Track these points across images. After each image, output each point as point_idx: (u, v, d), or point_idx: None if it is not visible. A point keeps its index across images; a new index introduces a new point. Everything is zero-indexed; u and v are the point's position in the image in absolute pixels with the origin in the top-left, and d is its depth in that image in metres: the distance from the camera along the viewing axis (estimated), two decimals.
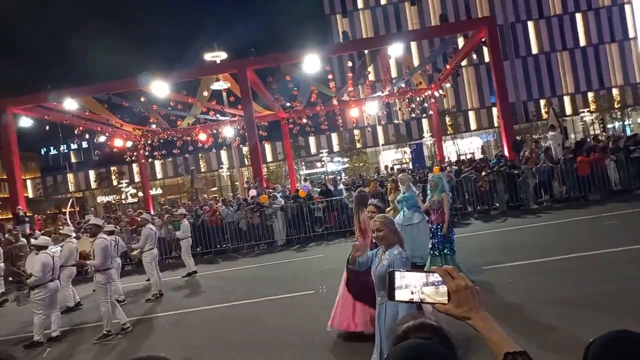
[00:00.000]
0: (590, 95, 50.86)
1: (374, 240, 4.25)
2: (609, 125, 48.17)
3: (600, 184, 13.81)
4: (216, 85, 19.87)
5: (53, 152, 58.72)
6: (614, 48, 51.30)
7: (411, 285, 1.12)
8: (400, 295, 1.13)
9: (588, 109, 48.71)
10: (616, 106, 49.50)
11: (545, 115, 43.00)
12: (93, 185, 54.76)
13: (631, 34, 51.34)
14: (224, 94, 21.59)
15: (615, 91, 50.83)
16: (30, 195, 50.94)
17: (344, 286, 5.71)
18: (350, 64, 22.10)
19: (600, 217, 10.96)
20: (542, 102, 50.62)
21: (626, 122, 49.73)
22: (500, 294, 6.47)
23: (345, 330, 5.50)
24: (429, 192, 7.74)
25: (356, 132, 51.29)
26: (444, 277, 1.10)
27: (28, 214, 18.66)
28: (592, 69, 51.42)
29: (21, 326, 8.53)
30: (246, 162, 41.09)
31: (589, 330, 4.75)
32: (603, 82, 51.23)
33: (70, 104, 17.67)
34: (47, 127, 19.67)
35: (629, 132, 41.32)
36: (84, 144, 50.16)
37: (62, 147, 52.53)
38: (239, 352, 5.79)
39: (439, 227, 7.31)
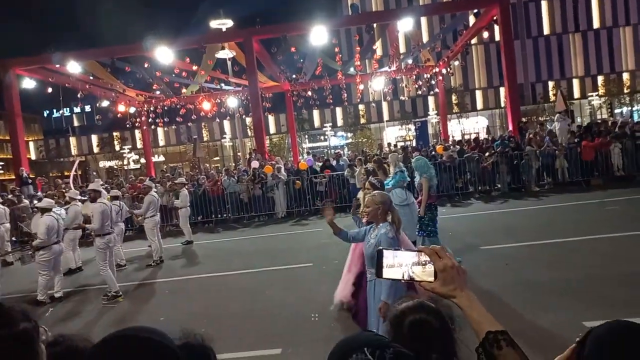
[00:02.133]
0: (600, 79, 50.11)
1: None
2: (617, 110, 47.62)
3: (604, 169, 13.78)
4: (221, 54, 19.61)
5: (56, 114, 58.39)
6: (627, 31, 50.22)
7: (402, 264, 1.14)
8: (390, 273, 1.15)
9: (597, 93, 48.08)
10: (625, 91, 48.83)
11: (553, 98, 42.50)
12: (95, 149, 54.72)
13: None
14: (229, 63, 21.34)
15: (625, 76, 50.05)
16: (33, 157, 51.04)
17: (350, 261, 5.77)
18: (357, 37, 21.77)
19: (601, 202, 10.99)
20: (551, 84, 49.95)
21: (635, 108, 49.14)
22: (493, 275, 6.55)
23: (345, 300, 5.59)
24: (415, 174, 7.74)
25: (361, 107, 50.84)
26: (431, 256, 1.12)
27: (31, 176, 18.76)
28: (604, 52, 50.47)
29: (27, 285, 8.66)
30: (249, 133, 40.95)
31: (578, 314, 4.82)
32: (614, 66, 50.38)
33: (73, 67, 17.52)
34: (50, 90, 19.53)
35: (636, 118, 40.90)
36: (87, 108, 50.06)
37: (65, 110, 52.30)
38: (235, 321, 5.90)
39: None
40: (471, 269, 6.94)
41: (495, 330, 1.06)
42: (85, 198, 9.53)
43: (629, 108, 48.18)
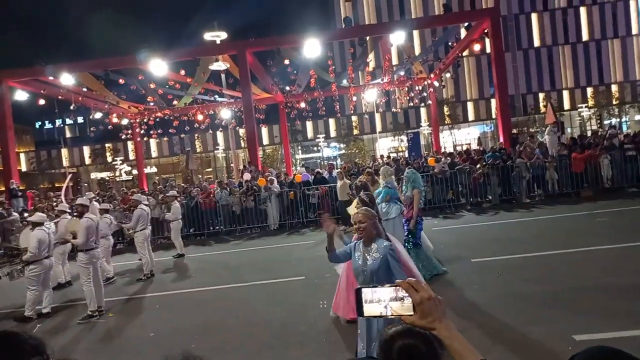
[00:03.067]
0: (589, 90, 50.80)
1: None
2: (606, 122, 48.21)
3: (593, 180, 13.91)
4: (215, 66, 19.68)
5: (48, 126, 58.23)
6: (616, 44, 51.09)
7: (381, 300, 1.15)
8: (370, 310, 1.17)
9: (586, 105, 48.69)
10: (614, 102, 49.49)
11: (543, 110, 42.94)
12: (87, 161, 54.45)
13: (634, 31, 51.09)
14: (223, 75, 21.43)
15: (614, 87, 50.79)
16: (24, 169, 50.67)
17: (345, 274, 5.77)
18: (351, 50, 21.96)
19: (591, 213, 11.06)
20: (541, 95, 50.54)
21: (623, 119, 49.79)
22: (485, 286, 6.56)
23: (351, 318, 5.57)
24: (404, 187, 7.76)
25: (354, 118, 51.12)
26: (407, 290, 1.13)
27: (21, 188, 18.61)
28: (592, 64, 51.25)
29: (13, 300, 8.57)
30: (242, 144, 40.97)
31: (569, 327, 4.82)
32: (603, 77, 51.14)
33: (66, 79, 17.51)
34: (43, 102, 19.49)
35: (625, 129, 41.40)
36: (80, 120, 49.87)
37: (57, 122, 52.15)
38: (226, 335, 5.85)
39: (407, 221, 7.38)
40: (462, 280, 6.96)
41: None
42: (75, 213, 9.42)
43: (618, 119, 48.79)
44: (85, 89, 19.93)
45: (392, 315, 1.15)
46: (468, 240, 9.85)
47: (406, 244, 7.37)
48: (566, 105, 50.88)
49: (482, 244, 9.23)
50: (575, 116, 50.15)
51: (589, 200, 12.92)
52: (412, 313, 1.12)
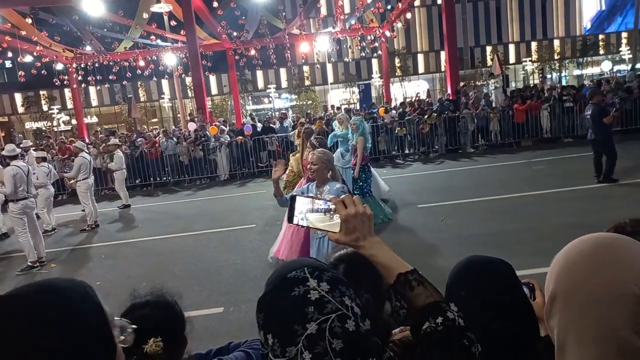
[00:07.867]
0: (533, 44, 52.20)
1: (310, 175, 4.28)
2: (547, 76, 50.07)
3: (533, 131, 14.59)
4: (156, 8, 18.42)
5: None
6: None
7: (311, 211, 1.11)
8: (299, 220, 1.12)
9: (530, 59, 50.16)
10: (556, 57, 51.27)
11: (490, 63, 43.89)
12: (20, 109, 50.63)
13: None
14: (166, 17, 20.14)
15: (556, 42, 52.44)
16: None
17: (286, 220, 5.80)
18: None
19: (529, 162, 11.67)
20: (489, 48, 51.43)
21: (563, 74, 51.86)
22: (430, 230, 6.86)
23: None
24: (350, 135, 7.81)
25: (305, 68, 50.16)
26: (337, 205, 1.08)
27: None
28: (537, 18, 52.40)
29: None
30: (189, 94, 39.39)
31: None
32: (547, 32, 52.55)
33: None
34: None
35: (564, 84, 43.28)
36: (7, 63, 45.71)
37: None
38: (176, 282, 5.80)
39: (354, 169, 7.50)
40: (409, 225, 7.23)
41: (405, 272, 1.05)
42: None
43: (558, 74, 50.76)
44: (10, 27, 18.14)
45: (320, 229, 1.11)
46: (415, 187, 10.17)
47: (356, 192, 7.49)
48: (512, 59, 52.16)
49: (428, 191, 9.56)
50: (520, 70, 51.66)
51: (529, 150, 13.59)
52: (337, 230, 1.07)
